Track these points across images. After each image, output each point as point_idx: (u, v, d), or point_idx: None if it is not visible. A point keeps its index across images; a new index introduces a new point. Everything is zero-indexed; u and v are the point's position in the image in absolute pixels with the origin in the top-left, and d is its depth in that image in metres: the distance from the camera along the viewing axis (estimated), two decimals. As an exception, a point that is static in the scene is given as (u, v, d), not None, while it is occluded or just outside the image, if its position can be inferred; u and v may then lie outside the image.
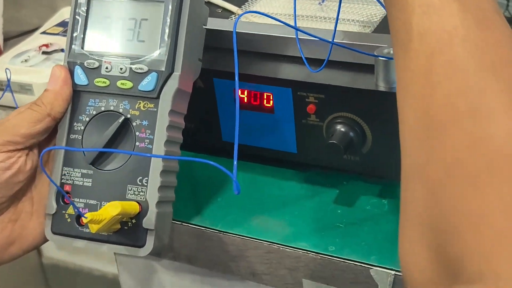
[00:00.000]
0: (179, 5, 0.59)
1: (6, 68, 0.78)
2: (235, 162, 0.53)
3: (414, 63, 0.49)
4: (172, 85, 0.58)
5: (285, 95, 0.64)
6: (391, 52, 0.60)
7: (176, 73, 0.58)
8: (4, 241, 0.60)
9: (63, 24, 0.90)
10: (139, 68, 0.58)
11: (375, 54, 0.59)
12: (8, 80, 0.79)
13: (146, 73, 0.58)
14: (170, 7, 0.59)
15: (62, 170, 0.60)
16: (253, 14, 0.72)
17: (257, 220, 0.66)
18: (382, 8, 0.74)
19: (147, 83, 0.58)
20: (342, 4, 0.71)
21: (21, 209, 0.61)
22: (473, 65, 0.46)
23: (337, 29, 0.65)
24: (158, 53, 0.59)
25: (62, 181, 0.60)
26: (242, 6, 0.76)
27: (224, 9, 0.75)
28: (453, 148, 0.44)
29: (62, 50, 0.82)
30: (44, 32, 0.89)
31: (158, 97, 0.58)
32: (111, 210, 0.55)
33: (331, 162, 0.64)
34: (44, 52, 0.82)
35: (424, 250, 0.45)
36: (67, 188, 0.60)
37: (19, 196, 0.60)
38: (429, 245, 0.44)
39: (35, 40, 0.87)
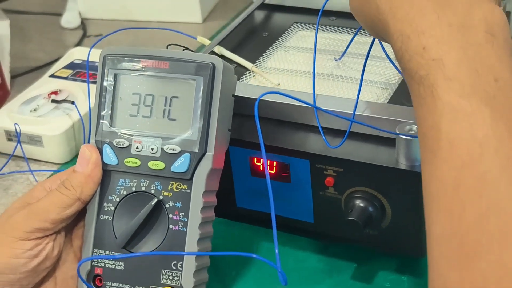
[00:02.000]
0: (211, 82, 0.58)
1: (15, 123, 0.79)
2: (276, 251, 0.53)
3: (443, 174, 0.46)
4: (206, 165, 0.58)
5: (303, 167, 0.64)
6: (413, 129, 0.59)
7: (210, 153, 0.58)
8: None
9: (72, 66, 0.91)
10: (171, 149, 0.58)
11: (397, 131, 0.59)
12: (18, 136, 0.79)
13: (178, 154, 0.58)
14: (202, 85, 0.58)
15: (93, 251, 0.60)
16: (270, 74, 0.73)
17: None
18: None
19: (180, 165, 0.58)
20: (359, 63, 0.73)
21: None
22: (504, 181, 0.44)
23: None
24: (190, 133, 0.58)
25: (93, 263, 0.60)
26: (256, 61, 0.76)
27: (239, 65, 0.75)
28: (484, 279, 0.42)
29: (72, 103, 0.83)
30: (52, 75, 0.89)
31: (191, 179, 0.58)
32: None
33: (349, 235, 0.64)
34: (53, 101, 0.83)
35: None
36: (98, 271, 0.60)
37: (43, 279, 0.59)
38: None
39: (44, 84, 0.87)
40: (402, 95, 0.68)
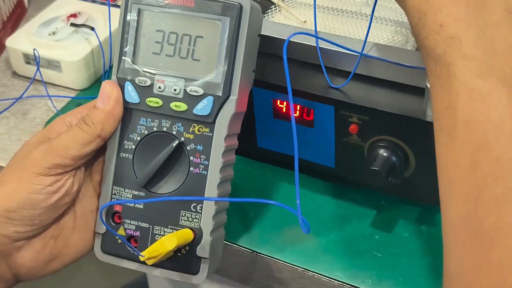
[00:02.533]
0: (238, 24, 0.56)
1: (34, 49, 0.78)
2: (298, 201, 0.53)
3: (459, 156, 0.47)
4: (229, 109, 0.57)
5: (327, 112, 0.63)
6: None
7: (233, 97, 0.57)
8: (46, 258, 0.60)
9: None
10: (194, 91, 0.58)
11: (427, 83, 0.57)
12: (37, 62, 0.79)
13: (201, 97, 0.58)
14: (228, 26, 0.57)
15: (112, 188, 0.60)
16: (296, 9, 0.72)
17: (291, 239, 0.65)
18: None
19: (203, 107, 0.58)
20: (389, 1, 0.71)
21: (63, 224, 0.61)
22: None
23: (378, 40, 0.65)
24: (214, 75, 0.57)
25: (113, 198, 0.60)
26: None
27: None
28: (500, 266, 0.43)
29: (92, 29, 0.81)
30: None
31: (213, 122, 0.58)
32: (167, 244, 0.56)
33: (370, 183, 0.63)
34: (72, 24, 0.81)
35: None
36: (117, 208, 0.60)
37: (62, 213, 0.60)
38: None
39: (63, 5, 0.85)
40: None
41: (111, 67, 0.78)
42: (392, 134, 0.62)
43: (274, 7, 0.72)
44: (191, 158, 0.58)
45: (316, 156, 0.67)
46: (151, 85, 0.58)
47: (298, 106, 0.65)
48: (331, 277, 0.62)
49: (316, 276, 0.63)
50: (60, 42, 0.78)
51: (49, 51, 0.78)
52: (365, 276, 0.62)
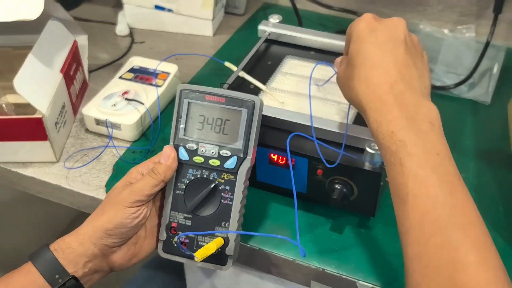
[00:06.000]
0: (252, 112, 0.59)
1: (106, 118, 0.79)
2: (297, 230, 0.54)
3: (411, 216, 0.48)
4: (246, 164, 0.60)
5: (303, 162, 0.65)
6: (376, 148, 0.60)
7: (249, 157, 0.60)
8: (129, 257, 0.62)
9: (133, 70, 0.88)
10: (224, 153, 0.60)
11: (366, 147, 0.61)
12: (107, 125, 0.80)
13: (229, 157, 0.60)
14: (246, 114, 0.59)
15: (170, 212, 0.61)
16: (273, 92, 0.73)
17: (282, 241, 0.65)
18: None
19: (230, 163, 0.60)
20: (331, 86, 0.72)
21: (139, 235, 0.62)
22: (450, 224, 0.46)
23: (330, 110, 0.66)
24: (237, 144, 0.60)
25: (170, 219, 0.61)
26: (266, 83, 0.76)
27: (255, 86, 0.75)
28: (442, 286, 0.44)
29: (141, 103, 0.81)
30: (120, 77, 0.87)
31: (237, 172, 0.59)
32: (210, 248, 0.57)
33: (329, 203, 0.65)
34: (126, 98, 0.82)
35: None
36: (173, 224, 0.61)
37: (139, 229, 0.62)
38: None
39: (116, 85, 0.85)
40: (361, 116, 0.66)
41: (151, 126, 0.81)
42: (343, 175, 0.63)
43: (262, 91, 0.74)
44: (222, 194, 0.60)
45: (295, 186, 0.65)
46: (197, 149, 0.60)
47: (285, 158, 0.66)
48: (309, 263, 0.63)
49: (297, 262, 0.64)
50: (119, 111, 0.79)
51: (113, 118, 0.79)
52: (329, 262, 0.63)
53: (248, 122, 0.59)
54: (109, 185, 0.73)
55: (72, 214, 1.59)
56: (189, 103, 0.61)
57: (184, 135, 0.61)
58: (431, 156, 0.49)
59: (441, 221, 0.46)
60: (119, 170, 0.75)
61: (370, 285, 0.61)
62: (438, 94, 0.88)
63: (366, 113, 0.54)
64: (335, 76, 0.62)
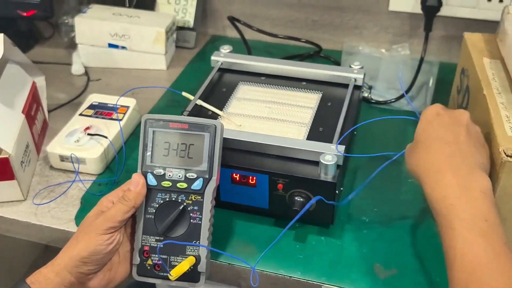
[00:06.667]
0: (214, 136, 0.62)
1: (72, 153, 0.80)
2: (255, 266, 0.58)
3: (458, 276, 0.51)
4: (212, 185, 0.62)
5: (264, 178, 0.68)
6: (330, 159, 0.64)
7: (214, 177, 0.62)
8: (105, 283, 0.63)
9: (92, 106, 0.90)
10: (191, 176, 0.62)
11: (320, 160, 0.65)
12: (72, 160, 0.81)
13: (195, 179, 0.62)
14: (209, 138, 0.62)
15: (142, 236, 0.63)
16: (230, 116, 0.76)
17: (248, 254, 0.67)
18: (309, 112, 0.77)
19: (196, 185, 0.62)
20: (283, 107, 0.75)
21: (113, 261, 0.63)
22: (492, 283, 0.49)
23: (288, 131, 0.69)
24: (202, 166, 0.62)
25: (143, 243, 0.63)
26: (223, 109, 0.79)
27: (213, 112, 0.78)
28: None
29: (104, 137, 0.82)
30: (81, 114, 0.88)
31: (203, 192, 0.62)
32: (183, 267, 0.60)
33: (290, 215, 0.66)
34: (88, 134, 0.83)
35: None
36: (146, 248, 0.63)
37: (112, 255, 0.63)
38: None
39: (77, 121, 0.86)
40: (314, 132, 0.73)
41: (115, 158, 0.82)
42: (302, 188, 0.66)
43: (220, 117, 0.77)
44: (191, 214, 0.62)
45: (257, 202, 0.70)
46: (164, 174, 0.62)
47: (246, 176, 0.68)
48: (276, 273, 0.65)
49: (265, 273, 0.66)
50: (82, 146, 0.81)
51: (77, 153, 0.80)
52: (295, 270, 0.65)
53: (211, 145, 0.62)
54: (78, 218, 0.74)
55: (35, 252, 1.56)
56: (154, 132, 0.63)
57: (151, 162, 0.63)
58: (479, 222, 0.52)
59: (487, 281, 0.49)
60: (87, 202, 0.77)
61: (335, 287, 0.64)
62: (381, 108, 0.94)
63: (423, 179, 0.58)
64: None
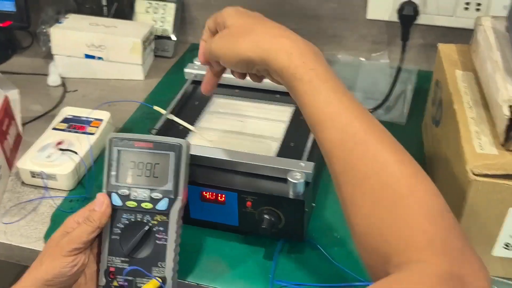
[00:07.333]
0: (179, 155, 0.61)
1: (42, 170, 0.80)
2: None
3: (332, 136, 0.50)
4: (178, 204, 0.61)
5: (233, 196, 0.68)
6: (298, 177, 0.63)
7: (180, 197, 0.61)
8: None
9: (66, 120, 0.89)
10: (156, 196, 0.61)
11: (288, 178, 0.64)
12: (42, 176, 0.80)
13: (161, 199, 0.61)
14: (174, 157, 0.61)
15: (108, 257, 0.62)
16: (202, 131, 0.76)
17: (217, 273, 0.66)
18: (282, 126, 0.76)
19: (162, 205, 0.61)
20: (256, 121, 0.75)
21: (80, 282, 0.62)
22: (367, 136, 0.49)
23: (260, 146, 0.69)
24: (167, 185, 0.61)
25: (108, 264, 0.62)
26: (194, 123, 0.78)
27: (184, 127, 0.78)
28: (372, 188, 0.47)
29: (75, 152, 0.82)
30: (54, 128, 0.87)
31: (169, 213, 0.61)
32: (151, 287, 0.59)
33: (259, 232, 0.67)
34: (60, 149, 0.82)
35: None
36: (112, 269, 0.62)
37: (78, 276, 0.62)
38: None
39: (50, 136, 0.85)
40: (285, 147, 0.73)
41: (87, 173, 0.82)
42: (271, 205, 0.66)
43: (191, 132, 0.76)
44: (156, 235, 0.61)
45: (227, 219, 0.70)
46: (129, 194, 0.61)
47: (215, 194, 0.67)
48: None
49: None
50: (53, 162, 0.80)
51: (48, 169, 0.79)
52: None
53: (176, 164, 0.61)
54: (47, 236, 0.73)
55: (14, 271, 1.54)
56: (119, 151, 0.62)
57: (116, 181, 0.62)
58: (339, 83, 0.53)
59: (359, 134, 0.49)
60: (57, 220, 0.76)
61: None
62: (358, 119, 0.93)
63: (273, 58, 0.54)
64: None
